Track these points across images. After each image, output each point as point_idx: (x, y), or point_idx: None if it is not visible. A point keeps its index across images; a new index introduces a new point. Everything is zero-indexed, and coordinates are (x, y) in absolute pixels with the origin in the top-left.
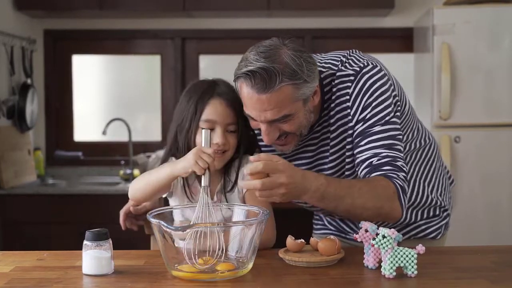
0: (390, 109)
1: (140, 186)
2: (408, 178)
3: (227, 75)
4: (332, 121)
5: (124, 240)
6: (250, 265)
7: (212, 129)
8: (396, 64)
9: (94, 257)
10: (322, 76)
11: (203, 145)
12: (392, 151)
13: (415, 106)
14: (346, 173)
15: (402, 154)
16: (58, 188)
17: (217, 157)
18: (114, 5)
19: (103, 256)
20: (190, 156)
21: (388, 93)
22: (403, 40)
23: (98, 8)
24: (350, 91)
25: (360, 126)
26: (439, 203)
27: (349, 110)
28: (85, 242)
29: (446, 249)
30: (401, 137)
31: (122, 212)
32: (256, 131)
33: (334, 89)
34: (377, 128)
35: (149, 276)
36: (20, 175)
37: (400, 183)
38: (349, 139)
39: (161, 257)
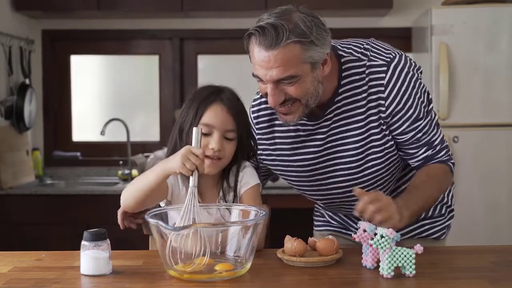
0: (425, 96)
1: (130, 192)
2: None
3: (226, 75)
4: (361, 110)
5: (122, 240)
6: (249, 265)
7: (209, 134)
8: None
9: (92, 257)
10: (342, 60)
11: (193, 144)
12: (439, 135)
13: None
14: (372, 162)
15: (441, 132)
16: (56, 189)
17: (212, 163)
18: (112, 5)
19: (101, 256)
20: (178, 157)
21: (418, 82)
22: (401, 40)
23: (96, 9)
24: (384, 82)
25: (407, 120)
26: (445, 200)
27: (383, 101)
28: (83, 242)
29: (444, 249)
30: (437, 116)
31: (120, 212)
32: (262, 108)
33: (367, 79)
34: (425, 121)
35: (147, 276)
36: (18, 175)
37: (453, 160)
38: (375, 130)
39: (159, 257)
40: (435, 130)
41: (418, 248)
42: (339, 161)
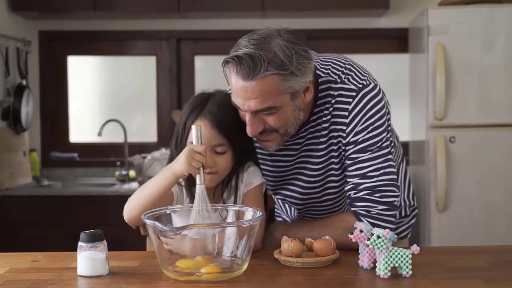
0: (385, 133)
1: (137, 203)
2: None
3: (222, 76)
4: (325, 132)
5: (119, 241)
6: (245, 266)
7: None
8: (391, 65)
9: (88, 258)
10: (320, 80)
11: (194, 142)
12: (374, 180)
13: (410, 106)
14: (330, 184)
15: (389, 177)
16: (53, 190)
17: (206, 176)
18: (108, 6)
19: (98, 257)
20: (182, 158)
21: (385, 117)
22: (398, 41)
23: (92, 9)
24: (350, 107)
25: (352, 148)
26: (408, 202)
27: (344, 127)
28: (79, 243)
29: (441, 249)
30: (391, 158)
31: None
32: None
33: (333, 101)
34: (367, 156)
35: (144, 277)
36: (15, 176)
37: (370, 220)
38: (335, 153)
39: (156, 258)
40: (372, 168)
41: (415, 248)
42: (302, 178)
